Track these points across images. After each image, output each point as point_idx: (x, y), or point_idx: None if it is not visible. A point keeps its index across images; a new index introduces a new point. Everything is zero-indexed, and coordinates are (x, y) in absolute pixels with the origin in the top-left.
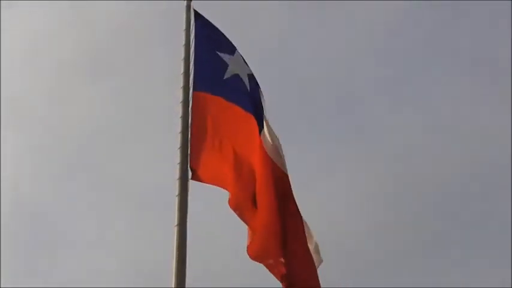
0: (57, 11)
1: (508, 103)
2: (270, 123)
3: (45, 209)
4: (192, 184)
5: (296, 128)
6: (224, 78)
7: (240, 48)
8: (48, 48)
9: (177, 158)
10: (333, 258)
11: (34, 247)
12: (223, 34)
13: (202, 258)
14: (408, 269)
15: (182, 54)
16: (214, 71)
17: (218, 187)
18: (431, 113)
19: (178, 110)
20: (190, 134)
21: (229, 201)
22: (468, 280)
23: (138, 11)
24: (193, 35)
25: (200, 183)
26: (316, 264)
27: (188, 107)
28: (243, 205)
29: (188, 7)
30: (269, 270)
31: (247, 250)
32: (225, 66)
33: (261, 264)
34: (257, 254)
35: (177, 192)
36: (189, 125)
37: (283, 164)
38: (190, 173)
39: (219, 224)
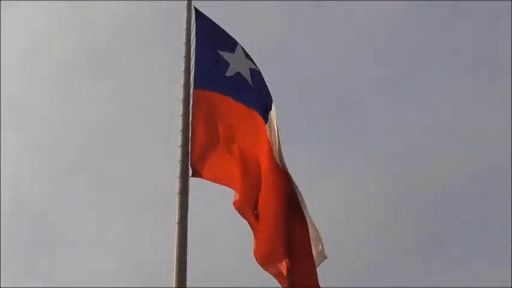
0: (57, 11)
1: (508, 103)
2: (274, 118)
3: (45, 209)
4: (192, 184)
5: (296, 128)
6: (226, 76)
7: None
8: (48, 48)
9: (177, 156)
10: (333, 258)
11: (34, 247)
12: (223, 31)
13: (203, 258)
14: (408, 269)
15: (183, 53)
16: (216, 69)
17: (221, 185)
18: (431, 113)
19: (179, 108)
20: (191, 132)
21: (235, 203)
22: (468, 280)
23: (138, 11)
24: (194, 33)
25: (200, 183)
26: (317, 262)
27: (189, 105)
28: (248, 206)
29: (189, 5)
30: (276, 279)
31: (254, 256)
32: (227, 65)
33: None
34: (263, 259)
35: (177, 190)
36: (190, 123)
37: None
38: (190, 171)
39: (220, 224)
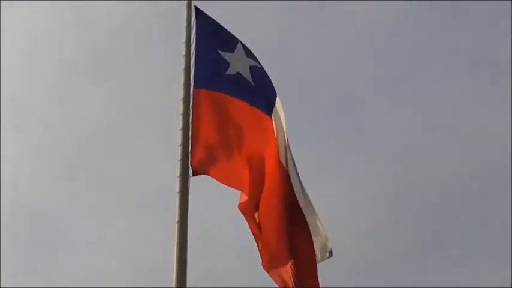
0: (57, 11)
1: (508, 103)
2: (281, 113)
3: (45, 209)
4: (192, 183)
5: (296, 128)
6: (226, 74)
7: None
8: (48, 48)
9: (177, 155)
10: (333, 258)
11: (34, 247)
12: (224, 29)
13: (203, 258)
14: (408, 269)
15: (183, 52)
16: (216, 68)
17: (224, 185)
18: (431, 113)
19: (179, 107)
20: (191, 131)
21: (240, 205)
22: (468, 280)
23: (138, 10)
24: (194, 32)
25: (200, 183)
26: (322, 258)
27: (189, 104)
28: (254, 210)
29: (189, 5)
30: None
31: (262, 263)
32: (227, 64)
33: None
34: (269, 264)
35: (177, 189)
36: (190, 122)
37: (287, 159)
38: (191, 170)
39: (220, 223)
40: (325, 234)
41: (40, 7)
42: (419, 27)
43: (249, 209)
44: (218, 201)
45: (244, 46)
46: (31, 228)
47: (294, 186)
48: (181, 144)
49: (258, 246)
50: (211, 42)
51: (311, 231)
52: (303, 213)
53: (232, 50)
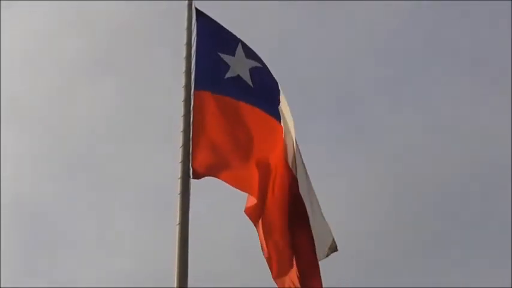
0: (57, 11)
1: (508, 103)
2: (286, 110)
3: (45, 209)
4: (193, 185)
5: (296, 128)
6: (226, 77)
7: None
8: (48, 48)
9: (178, 156)
10: (334, 258)
11: (34, 247)
12: (224, 30)
13: (204, 259)
14: (408, 269)
15: (183, 53)
16: (216, 70)
17: (222, 184)
18: (431, 113)
19: (180, 109)
20: (192, 133)
21: (247, 209)
22: (468, 280)
23: (139, 11)
24: (195, 33)
25: (201, 184)
26: (325, 255)
27: (190, 105)
28: (260, 213)
29: (189, 6)
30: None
31: (272, 274)
32: (227, 67)
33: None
34: (279, 273)
35: (178, 191)
36: (191, 123)
37: (295, 161)
38: (191, 172)
39: (221, 224)
40: (331, 239)
41: (40, 7)
42: (419, 27)
43: (258, 212)
44: (219, 202)
45: (244, 46)
46: (31, 228)
47: (300, 189)
48: (182, 145)
49: (265, 255)
50: (211, 44)
51: (313, 233)
52: (307, 215)
53: (232, 53)
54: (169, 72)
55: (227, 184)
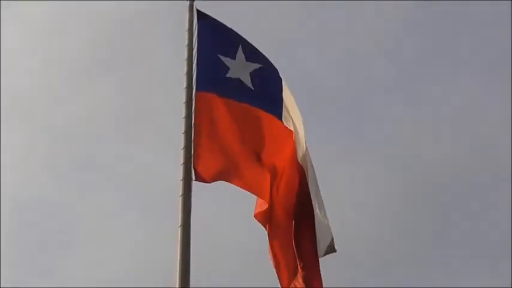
0: (57, 11)
1: (508, 103)
2: (293, 107)
3: (45, 209)
4: (195, 185)
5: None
6: (226, 78)
7: None
8: (48, 48)
9: (180, 158)
10: (333, 258)
11: (34, 247)
12: (226, 32)
13: (206, 260)
14: (408, 269)
15: (185, 55)
16: (217, 71)
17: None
18: (431, 113)
19: (182, 110)
20: (194, 134)
21: (257, 214)
22: (468, 280)
23: (140, 11)
24: (196, 35)
25: (204, 185)
26: (323, 253)
27: (191, 107)
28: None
29: (191, 7)
30: None
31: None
32: (227, 69)
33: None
34: (289, 280)
35: (180, 192)
36: (193, 125)
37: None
38: (193, 174)
39: (222, 225)
40: (330, 239)
41: (40, 7)
42: (419, 27)
43: (268, 217)
44: (221, 203)
45: (245, 48)
46: (31, 228)
47: (310, 189)
48: (184, 147)
49: (274, 265)
50: (212, 45)
51: (316, 232)
52: (313, 215)
53: (233, 56)
54: (171, 73)
55: (237, 187)
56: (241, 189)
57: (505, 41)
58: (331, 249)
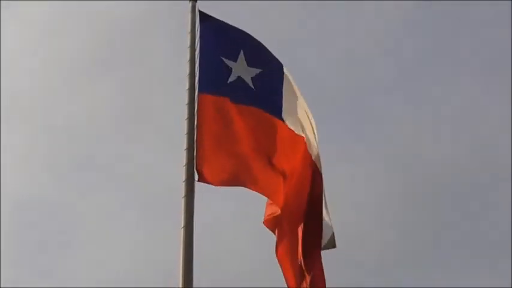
0: (57, 11)
1: (508, 103)
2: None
3: (45, 209)
4: (198, 186)
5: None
6: (228, 81)
7: None
8: (48, 48)
9: (183, 159)
10: (333, 258)
11: (34, 247)
12: (228, 33)
13: (208, 261)
14: (408, 269)
15: (187, 56)
16: (219, 73)
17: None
18: (431, 113)
19: (184, 111)
20: (197, 136)
21: (266, 221)
22: (468, 280)
23: (140, 11)
24: (198, 36)
25: (206, 186)
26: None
27: (194, 108)
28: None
29: (193, 8)
30: None
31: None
32: (229, 70)
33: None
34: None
35: (183, 193)
36: (195, 126)
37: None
38: (196, 175)
39: (225, 227)
40: (331, 233)
41: (40, 6)
42: (419, 27)
43: (279, 221)
44: (223, 204)
45: (246, 53)
46: (31, 228)
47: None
48: (187, 148)
49: (281, 263)
50: (215, 47)
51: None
52: (322, 215)
53: (234, 59)
54: (170, 73)
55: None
56: (245, 190)
57: (505, 41)
58: (331, 244)
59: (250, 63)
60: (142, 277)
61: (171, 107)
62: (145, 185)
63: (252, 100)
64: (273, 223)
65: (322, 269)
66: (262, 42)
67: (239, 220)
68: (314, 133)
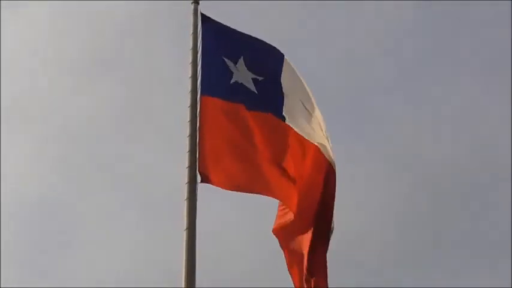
0: (58, 11)
1: (508, 103)
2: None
3: (45, 209)
4: (200, 188)
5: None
6: (231, 82)
7: None
8: (48, 48)
9: (185, 162)
10: (333, 258)
11: (34, 247)
12: (230, 36)
13: (210, 262)
14: (408, 269)
15: (189, 58)
16: (221, 75)
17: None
18: (431, 113)
19: (186, 114)
20: (199, 138)
21: (275, 229)
22: (468, 280)
23: (140, 11)
24: (200, 38)
25: (209, 189)
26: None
27: (196, 111)
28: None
29: (195, 11)
30: None
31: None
32: (230, 73)
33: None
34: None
35: (185, 196)
36: (198, 128)
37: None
38: (199, 177)
39: (227, 228)
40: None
41: (41, 7)
42: (419, 27)
43: (290, 230)
44: (226, 206)
45: (246, 59)
46: (31, 228)
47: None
48: (189, 151)
49: (288, 262)
50: (217, 48)
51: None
52: (332, 215)
53: (235, 62)
54: (170, 73)
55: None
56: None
57: (505, 41)
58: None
59: (250, 68)
60: (142, 277)
61: (171, 106)
62: (145, 185)
63: (254, 103)
64: (281, 233)
65: (326, 271)
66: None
67: (239, 220)
68: (323, 133)
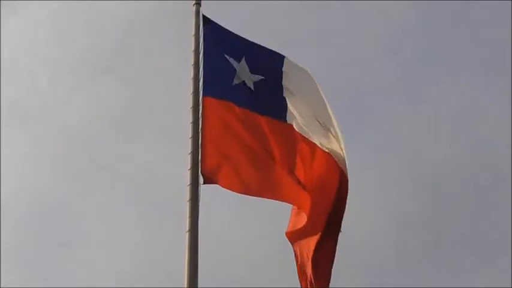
0: (58, 11)
1: (507, 103)
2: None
3: (45, 210)
4: (202, 189)
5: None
6: (233, 84)
7: None
8: (48, 48)
9: (187, 163)
10: (340, 259)
11: (34, 247)
12: (232, 37)
13: (212, 263)
14: (408, 269)
15: (192, 60)
16: (224, 76)
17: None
18: (431, 113)
19: (189, 115)
20: (201, 139)
21: (288, 233)
22: (468, 280)
23: (140, 11)
24: (202, 40)
25: (210, 190)
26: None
27: (198, 112)
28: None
29: (197, 12)
30: None
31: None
32: (234, 72)
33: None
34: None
35: (188, 197)
36: (200, 130)
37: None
38: (201, 178)
39: (228, 229)
40: None
41: (41, 7)
42: (420, 27)
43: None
44: (227, 207)
45: (248, 61)
46: (31, 229)
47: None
48: (191, 152)
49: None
50: (218, 47)
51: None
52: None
53: (239, 60)
54: (170, 73)
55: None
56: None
57: (505, 41)
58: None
59: (253, 70)
60: (143, 277)
61: (171, 106)
62: (145, 185)
63: (256, 105)
64: (294, 236)
65: (330, 273)
66: (263, 42)
67: (240, 221)
68: (334, 134)
